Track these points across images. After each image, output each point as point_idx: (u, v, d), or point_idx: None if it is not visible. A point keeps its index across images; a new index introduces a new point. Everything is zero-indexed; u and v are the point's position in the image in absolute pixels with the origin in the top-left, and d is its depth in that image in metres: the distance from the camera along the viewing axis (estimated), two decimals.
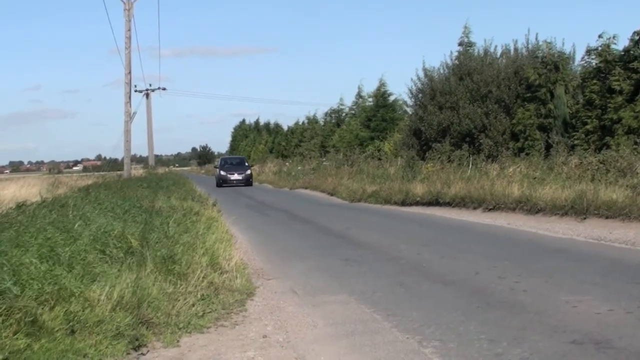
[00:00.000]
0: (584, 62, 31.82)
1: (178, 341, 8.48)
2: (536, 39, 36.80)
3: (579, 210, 18.56)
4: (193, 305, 9.74)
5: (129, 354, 7.87)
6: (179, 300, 9.73)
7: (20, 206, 15.63)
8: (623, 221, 17.20)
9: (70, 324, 7.96)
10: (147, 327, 8.56)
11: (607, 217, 17.74)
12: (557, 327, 8.35)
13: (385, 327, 9.02)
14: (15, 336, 7.39)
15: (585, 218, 18.25)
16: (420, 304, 10.19)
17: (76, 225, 12.08)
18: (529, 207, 20.58)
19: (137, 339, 8.13)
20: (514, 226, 18.82)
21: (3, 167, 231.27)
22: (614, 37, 29.19)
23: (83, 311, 8.25)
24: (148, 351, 8.08)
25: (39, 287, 8.26)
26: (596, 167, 22.69)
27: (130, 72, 46.68)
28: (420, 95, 41.12)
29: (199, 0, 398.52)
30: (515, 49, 37.76)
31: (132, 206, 17.61)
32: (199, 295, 10.19)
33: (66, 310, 8.11)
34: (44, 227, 11.54)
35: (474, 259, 13.77)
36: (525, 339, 7.93)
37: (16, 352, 7.16)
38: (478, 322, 8.86)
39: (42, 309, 7.99)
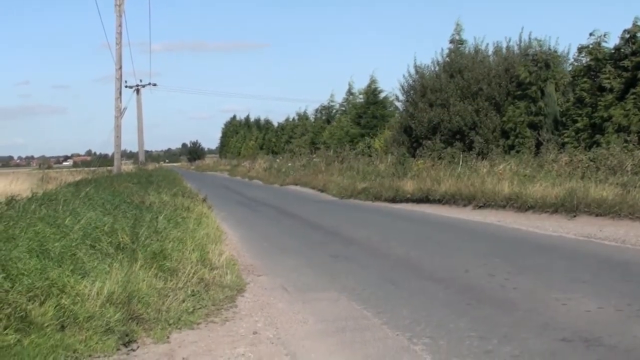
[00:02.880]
0: (574, 60, 31.87)
1: (168, 337, 8.47)
2: (529, 37, 36.88)
3: (569, 207, 18.60)
4: (183, 301, 9.72)
5: (118, 349, 7.86)
6: (169, 296, 9.71)
7: (10, 201, 15.57)
8: (613, 219, 17.24)
9: (61, 319, 7.95)
10: (137, 323, 8.55)
11: (597, 215, 17.77)
12: (547, 325, 8.36)
13: (375, 323, 9.03)
14: (5, 331, 7.37)
15: (575, 216, 18.28)
16: (410, 301, 10.19)
17: (66, 220, 12.03)
18: (519, 204, 20.61)
19: (127, 335, 8.12)
20: (504, 223, 18.83)
21: None
22: (604, 35, 29.26)
23: (73, 306, 8.23)
24: (138, 347, 8.07)
25: (29, 282, 8.23)
26: (586, 165, 22.73)
27: (120, 68, 46.60)
28: (411, 92, 41.12)
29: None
30: (508, 47, 37.83)
31: (122, 202, 17.57)
32: (189, 291, 10.18)
33: (56, 306, 8.10)
34: (34, 222, 11.49)
35: (464, 256, 13.77)
36: (515, 337, 7.94)
37: (6, 348, 7.15)
38: (468, 319, 8.87)
39: (32, 304, 7.97)
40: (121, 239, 11.77)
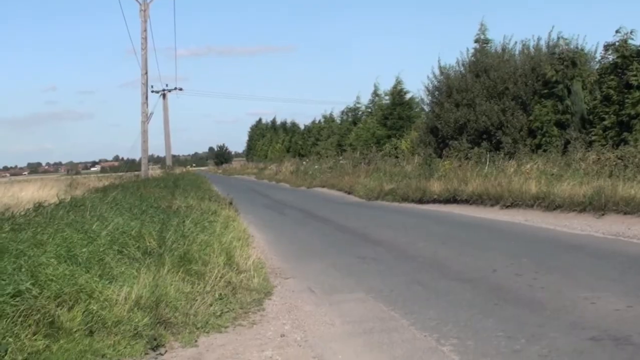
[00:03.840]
0: (601, 57, 31.69)
1: (196, 341, 8.50)
2: (557, 36, 36.65)
3: (597, 206, 18.50)
4: (211, 304, 9.76)
5: (147, 354, 7.91)
6: (197, 299, 9.75)
7: (38, 207, 15.66)
8: None
9: (89, 324, 8.01)
10: (165, 327, 8.60)
11: (625, 213, 17.67)
12: (575, 324, 8.32)
13: (402, 325, 9.03)
14: (34, 337, 7.43)
15: (603, 214, 18.19)
16: (437, 301, 10.18)
17: (94, 226, 12.10)
18: (547, 203, 20.52)
19: (155, 339, 8.17)
20: (532, 223, 18.75)
21: (21, 168, 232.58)
22: (631, 32, 29.01)
23: (101, 311, 8.29)
24: (166, 351, 8.11)
25: (58, 288, 8.29)
26: (614, 163, 22.58)
27: (146, 73, 46.72)
28: (436, 92, 40.99)
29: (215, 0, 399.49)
30: (536, 46, 37.57)
31: (149, 206, 17.65)
32: (216, 295, 10.22)
33: (84, 311, 8.15)
34: (62, 227, 11.56)
35: (492, 256, 13.73)
36: (543, 336, 7.92)
37: (35, 353, 7.20)
38: (496, 319, 8.85)
39: (61, 309, 8.02)
40: (148, 244, 11.83)
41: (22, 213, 14.60)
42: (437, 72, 41.02)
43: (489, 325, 8.59)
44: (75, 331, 7.80)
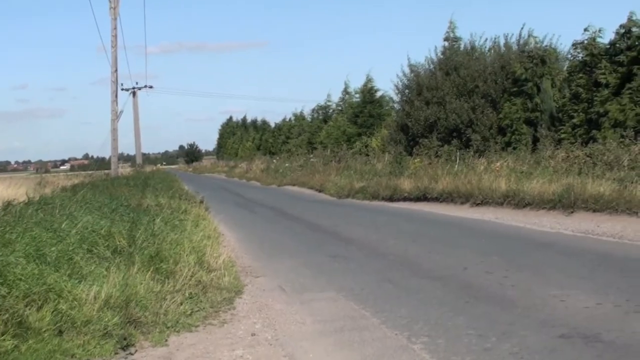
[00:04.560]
0: (570, 55, 31.88)
1: (166, 340, 8.47)
2: (528, 34, 36.78)
3: (566, 204, 18.60)
4: (181, 303, 9.74)
5: (117, 353, 7.87)
6: (167, 299, 9.72)
7: (7, 206, 15.57)
8: (610, 214, 17.22)
9: (58, 324, 7.97)
10: (135, 327, 8.57)
11: (594, 211, 17.76)
12: (545, 322, 8.36)
13: (373, 323, 9.04)
14: (3, 337, 7.38)
15: (572, 212, 18.29)
16: (408, 299, 10.20)
17: (63, 225, 12.03)
18: (517, 201, 20.61)
19: (125, 339, 8.14)
20: (502, 221, 18.84)
21: None
22: (599, 30, 29.18)
23: (71, 311, 8.25)
24: (136, 351, 8.08)
25: (26, 287, 8.24)
26: (583, 161, 22.72)
27: (116, 71, 46.47)
28: (406, 90, 41.11)
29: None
30: (506, 44, 37.71)
31: (119, 205, 17.57)
32: (186, 294, 10.19)
33: (53, 311, 8.11)
34: (31, 226, 11.49)
35: (462, 254, 13.77)
36: (513, 334, 7.95)
37: (3, 354, 7.15)
38: (467, 317, 8.88)
39: (29, 309, 7.98)
40: (118, 243, 11.79)
41: None
42: (407, 70, 41.17)
43: (460, 323, 8.62)
44: (44, 331, 7.76)
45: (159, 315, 9.13)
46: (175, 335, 8.73)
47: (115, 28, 46.38)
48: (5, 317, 7.59)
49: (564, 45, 35.92)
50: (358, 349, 7.93)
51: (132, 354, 7.95)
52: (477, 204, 22.45)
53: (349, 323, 9.13)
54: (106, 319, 8.31)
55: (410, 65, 41.01)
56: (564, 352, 7.25)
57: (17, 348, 7.33)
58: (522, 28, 38.73)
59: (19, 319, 7.70)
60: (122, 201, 19.14)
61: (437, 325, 8.62)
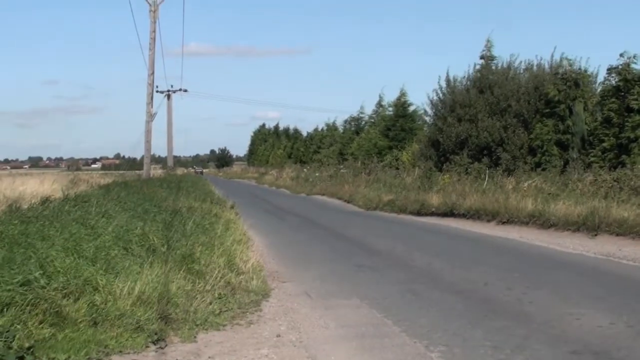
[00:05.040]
0: (604, 80, 31.98)
1: (195, 337, 8.81)
2: (560, 56, 36.83)
3: (590, 226, 18.80)
4: (210, 303, 10.07)
5: (147, 347, 8.21)
6: (197, 298, 10.06)
7: (45, 202, 16.00)
8: (633, 239, 17.42)
9: (93, 316, 8.32)
10: (166, 323, 8.89)
11: (617, 235, 17.96)
12: (559, 338, 8.65)
13: (394, 331, 9.34)
14: (41, 325, 7.75)
15: (596, 234, 18.48)
16: (429, 310, 10.50)
17: (99, 222, 12.42)
18: (542, 221, 20.81)
19: (156, 333, 8.46)
20: (526, 240, 19.03)
21: (22, 162, 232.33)
22: (634, 56, 29.34)
23: (105, 304, 8.61)
24: (166, 345, 8.40)
25: (64, 280, 8.61)
26: (610, 185, 22.88)
27: (153, 73, 46.81)
28: (440, 106, 41.19)
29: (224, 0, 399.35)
30: (539, 65, 37.80)
31: (152, 206, 17.96)
32: (216, 294, 10.53)
33: (89, 303, 8.47)
34: (69, 222, 11.88)
35: (485, 270, 14.03)
36: (527, 347, 8.24)
37: (41, 341, 7.52)
38: (484, 329, 9.16)
39: (67, 300, 8.34)
40: (152, 242, 12.15)
41: (30, 207, 14.93)
42: (443, 84, 41.12)
43: (477, 335, 8.90)
44: (80, 322, 8.11)
45: (189, 313, 9.46)
46: (204, 332, 9.06)
47: (154, 31, 46.78)
48: (44, 307, 7.96)
49: (592, 67, 35.94)
50: (378, 354, 8.24)
51: (162, 348, 8.27)
52: (503, 222, 22.64)
53: (370, 330, 9.43)
54: (139, 314, 8.67)
55: (448, 79, 41.04)
56: None
57: (54, 336, 7.69)
58: (553, 51, 38.82)
59: (57, 309, 8.06)
60: (155, 202, 19.53)
61: (455, 335, 8.91)
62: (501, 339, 8.67)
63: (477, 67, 40.36)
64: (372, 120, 61.17)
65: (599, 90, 33.38)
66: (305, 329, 9.60)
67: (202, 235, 14.14)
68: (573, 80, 33.19)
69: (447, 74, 41.26)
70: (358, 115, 65.77)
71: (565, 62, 35.41)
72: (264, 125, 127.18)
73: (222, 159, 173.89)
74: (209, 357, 8.09)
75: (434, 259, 15.81)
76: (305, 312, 10.66)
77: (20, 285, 8.00)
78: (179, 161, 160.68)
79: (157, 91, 67.38)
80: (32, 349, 7.22)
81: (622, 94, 29.07)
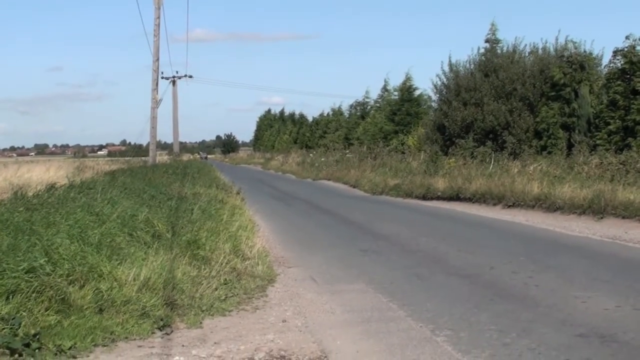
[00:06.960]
0: (609, 62, 31.87)
1: (201, 323, 8.84)
2: (565, 39, 36.73)
3: (596, 209, 18.80)
4: (216, 289, 10.10)
5: (153, 333, 8.25)
6: (203, 283, 10.09)
7: (50, 188, 16.01)
8: (639, 222, 17.41)
9: (99, 302, 8.36)
10: (172, 309, 8.93)
11: (623, 217, 17.97)
12: (565, 321, 8.65)
13: (400, 315, 9.35)
14: (47, 312, 7.78)
15: (602, 217, 18.48)
16: (435, 294, 10.51)
17: (105, 209, 12.42)
18: (548, 205, 20.83)
19: (162, 319, 8.50)
20: (532, 223, 19.05)
21: (28, 149, 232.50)
22: (639, 39, 29.26)
23: (111, 291, 8.63)
24: (172, 331, 8.43)
25: (70, 267, 8.63)
26: (616, 168, 22.83)
27: (158, 59, 46.65)
28: (445, 90, 41.10)
29: None
30: (544, 48, 37.71)
31: (158, 192, 17.97)
32: (221, 280, 10.56)
33: (95, 290, 8.50)
34: (74, 209, 11.89)
35: (490, 254, 14.04)
36: (533, 331, 8.25)
37: (47, 328, 7.55)
38: (490, 313, 9.17)
39: (72, 287, 8.37)
40: (157, 228, 12.16)
41: (35, 194, 14.94)
42: (447, 69, 41.06)
43: (483, 319, 8.91)
44: (86, 308, 8.15)
45: (195, 298, 9.49)
46: (210, 318, 9.09)
47: (159, 17, 46.62)
48: (49, 294, 7.98)
49: (597, 50, 35.83)
50: (384, 339, 8.25)
51: (168, 334, 8.30)
52: (509, 206, 22.65)
53: (376, 314, 9.45)
54: (144, 300, 8.70)
55: (451, 64, 40.98)
56: (580, 349, 7.53)
57: (60, 323, 7.73)
58: (558, 34, 38.71)
59: (63, 296, 8.09)
60: (161, 189, 19.53)
61: (461, 320, 8.93)
62: (507, 322, 8.68)
63: (482, 50, 40.29)
64: (378, 104, 61.02)
65: (604, 72, 33.25)
66: (311, 314, 9.62)
67: (208, 221, 14.14)
68: (579, 63, 33.11)
69: (449, 58, 41.16)
70: (364, 100, 65.68)
71: (570, 45, 35.38)
72: (269, 110, 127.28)
73: (228, 145, 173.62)
74: (215, 343, 8.10)
75: (439, 243, 15.82)
76: (311, 297, 10.68)
77: (26, 273, 8.03)
78: (185, 147, 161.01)
79: (162, 77, 67.36)
80: (38, 336, 7.24)
81: (628, 76, 28.97)
